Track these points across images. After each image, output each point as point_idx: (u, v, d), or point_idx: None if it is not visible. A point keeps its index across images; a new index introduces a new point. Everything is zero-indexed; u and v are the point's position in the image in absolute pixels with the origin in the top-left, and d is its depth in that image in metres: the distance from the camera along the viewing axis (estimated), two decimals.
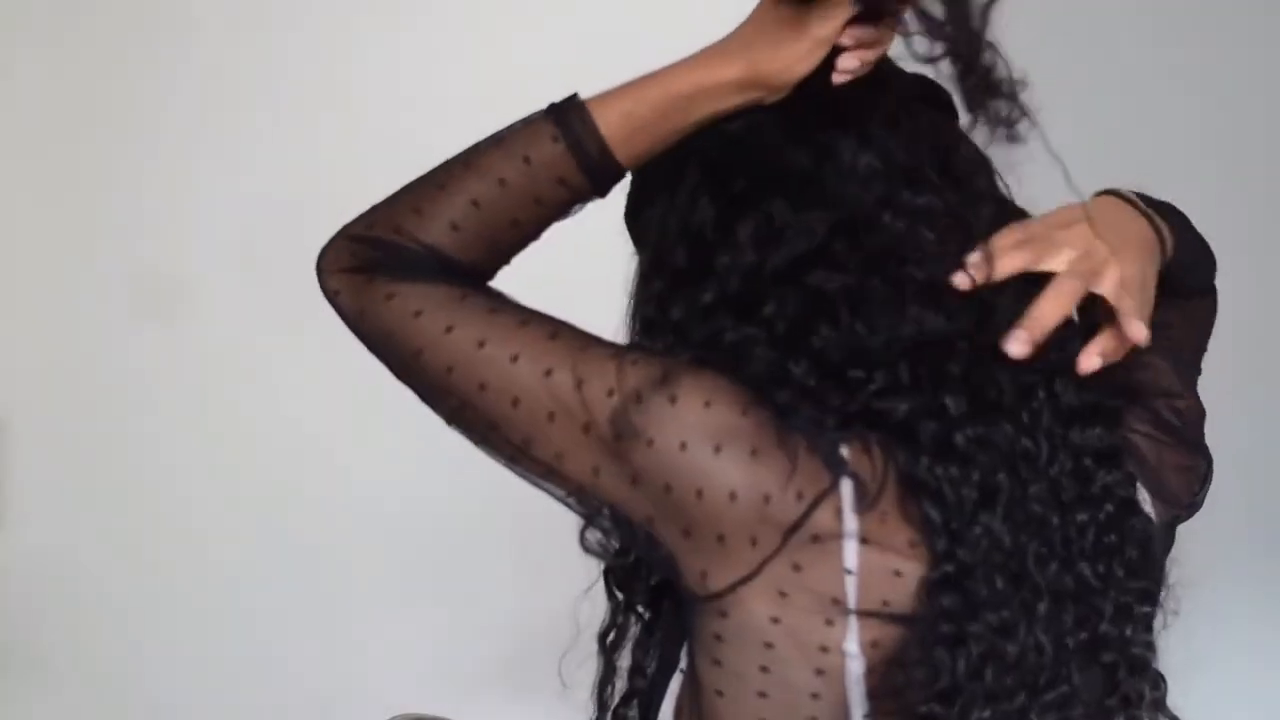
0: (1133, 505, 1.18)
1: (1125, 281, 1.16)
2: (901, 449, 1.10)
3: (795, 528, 1.07)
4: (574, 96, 1.15)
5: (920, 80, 1.19)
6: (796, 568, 1.07)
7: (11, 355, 2.53)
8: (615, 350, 1.10)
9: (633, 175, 1.23)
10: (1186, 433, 1.25)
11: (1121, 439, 1.19)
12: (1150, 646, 1.19)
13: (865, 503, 1.08)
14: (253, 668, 2.53)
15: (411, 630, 2.53)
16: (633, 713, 1.27)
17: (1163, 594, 1.22)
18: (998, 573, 1.09)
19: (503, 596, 2.46)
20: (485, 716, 2.27)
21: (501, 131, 1.15)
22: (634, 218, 1.25)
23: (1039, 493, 1.13)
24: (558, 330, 1.10)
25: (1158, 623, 1.21)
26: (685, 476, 1.06)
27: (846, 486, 1.08)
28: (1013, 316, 1.13)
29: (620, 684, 1.28)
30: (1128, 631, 1.16)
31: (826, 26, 1.11)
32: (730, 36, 1.15)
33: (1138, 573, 1.17)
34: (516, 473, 1.11)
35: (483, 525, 2.39)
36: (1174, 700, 1.22)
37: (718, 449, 1.06)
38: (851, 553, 1.08)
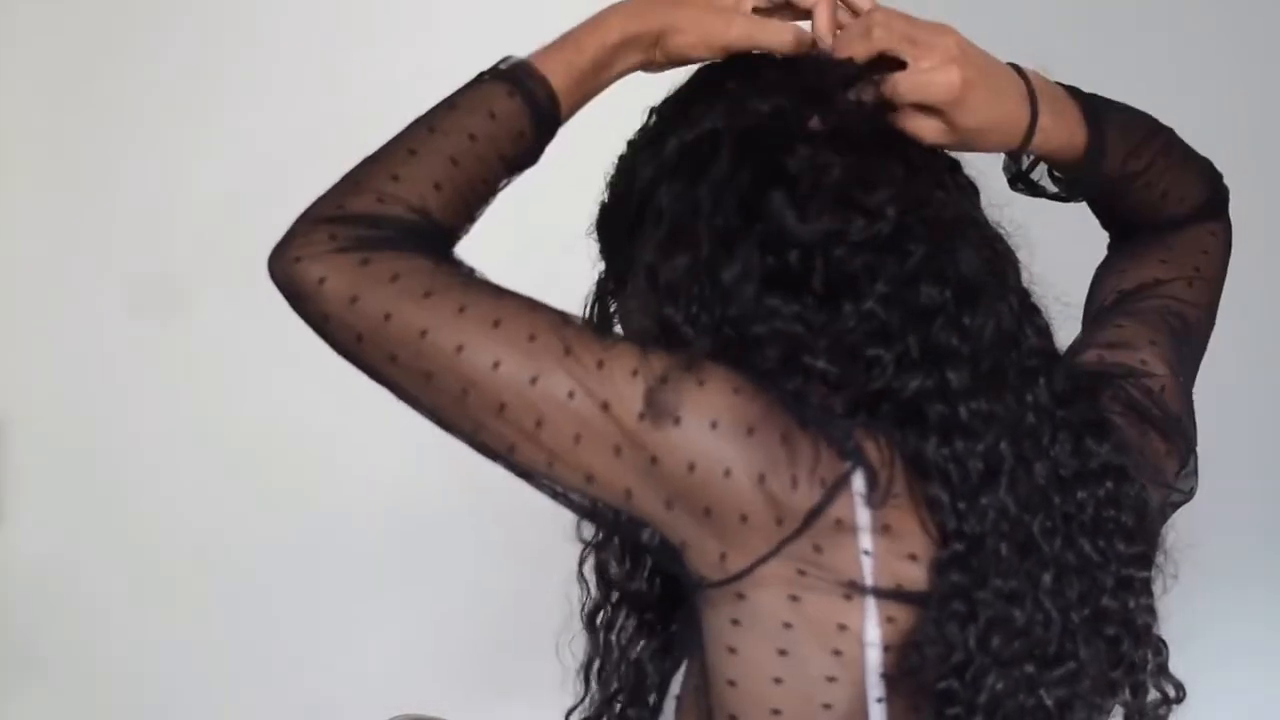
0: (1126, 473, 1.20)
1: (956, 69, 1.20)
2: (910, 430, 1.12)
3: (818, 511, 1.08)
4: (510, 57, 1.20)
5: None
6: (817, 549, 1.08)
7: (11, 355, 2.53)
8: (625, 336, 1.12)
9: (631, 165, 1.24)
10: (1156, 412, 1.27)
11: (1104, 415, 1.22)
12: (1151, 611, 1.20)
13: (877, 495, 1.09)
14: (251, 667, 2.53)
15: (408, 626, 2.53)
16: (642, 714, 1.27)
17: (1160, 559, 1.23)
18: (1005, 543, 1.11)
19: (496, 589, 2.46)
20: (482, 711, 2.27)
21: (450, 98, 1.18)
22: (645, 198, 1.23)
23: (1041, 469, 1.15)
24: (566, 315, 1.09)
25: (1157, 587, 1.22)
26: (713, 455, 1.06)
27: (858, 475, 1.09)
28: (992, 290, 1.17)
29: (610, 661, 1.28)
30: (1130, 603, 1.18)
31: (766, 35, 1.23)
32: None
33: (1134, 539, 1.19)
34: (512, 466, 1.09)
35: (476, 518, 2.39)
36: (1175, 664, 1.23)
37: (750, 431, 1.07)
38: (867, 538, 1.09)
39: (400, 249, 1.06)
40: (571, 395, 1.05)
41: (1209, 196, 1.41)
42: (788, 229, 1.15)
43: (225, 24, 2.49)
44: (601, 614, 1.28)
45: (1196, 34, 2.56)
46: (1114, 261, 1.41)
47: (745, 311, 1.14)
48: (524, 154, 1.18)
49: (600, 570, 1.26)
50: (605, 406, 1.05)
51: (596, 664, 1.29)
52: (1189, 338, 1.35)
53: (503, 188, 1.19)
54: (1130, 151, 1.35)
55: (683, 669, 1.20)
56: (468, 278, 1.08)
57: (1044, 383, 1.18)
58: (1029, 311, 1.21)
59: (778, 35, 1.23)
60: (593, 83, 1.21)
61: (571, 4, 2.23)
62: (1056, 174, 1.37)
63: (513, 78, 1.18)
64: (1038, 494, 1.14)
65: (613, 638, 1.28)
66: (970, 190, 1.24)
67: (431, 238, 1.09)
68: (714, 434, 1.06)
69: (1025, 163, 1.38)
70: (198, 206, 2.51)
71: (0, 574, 2.53)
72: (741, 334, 1.14)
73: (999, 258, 1.20)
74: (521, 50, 1.21)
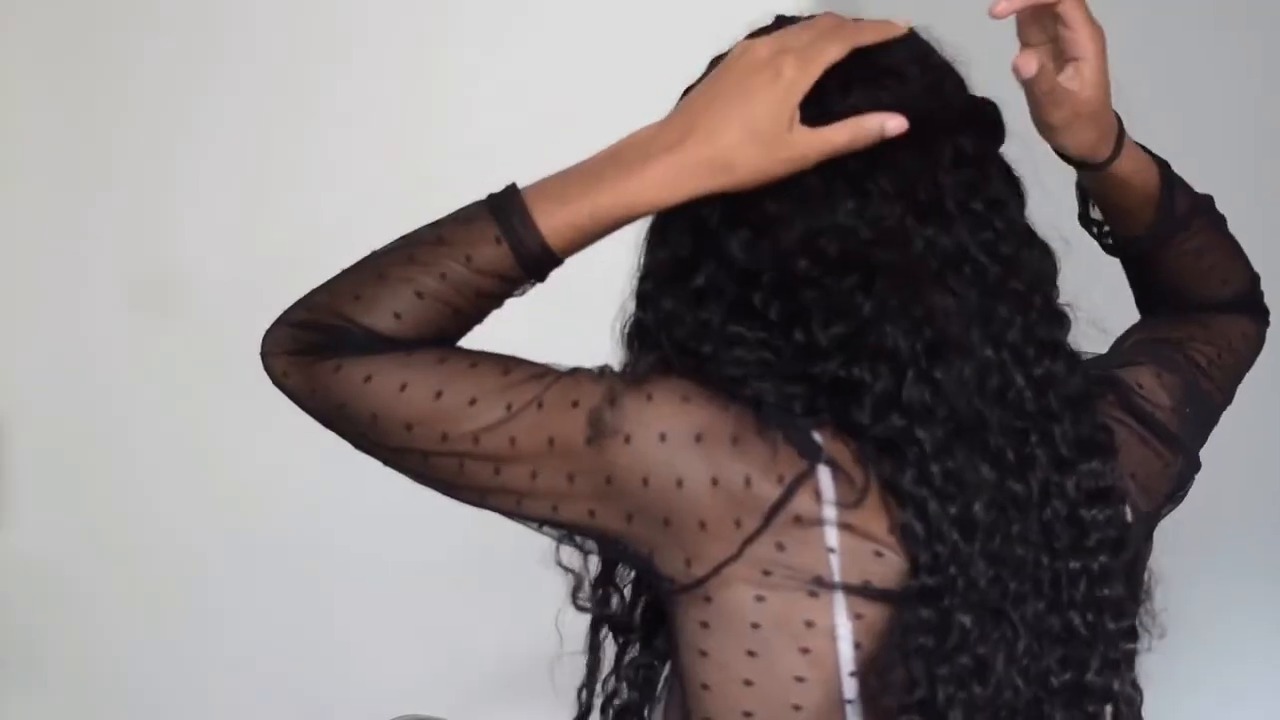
0: (1123, 543, 1.17)
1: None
2: (885, 459, 1.11)
3: (778, 508, 1.09)
4: (514, 190, 1.14)
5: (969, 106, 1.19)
6: (780, 547, 1.10)
7: (11, 355, 2.53)
8: (575, 370, 1.13)
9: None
10: (1160, 418, 1.26)
11: (1110, 483, 1.18)
12: (1136, 687, 1.19)
13: (851, 493, 1.10)
14: (249, 670, 2.53)
15: (405, 634, 2.53)
16: None
17: (1144, 612, 1.22)
18: (973, 611, 1.11)
19: (499, 598, 2.47)
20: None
21: (443, 224, 1.15)
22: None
23: (1025, 533, 1.13)
24: (509, 366, 1.12)
25: (1142, 644, 1.21)
26: (665, 467, 1.09)
27: (824, 473, 1.10)
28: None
29: (606, 687, 1.28)
30: (1114, 684, 1.17)
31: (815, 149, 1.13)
32: (705, 132, 1.13)
33: (1125, 612, 1.17)
34: (490, 509, 1.15)
35: (476, 526, 2.39)
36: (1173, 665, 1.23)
37: (698, 438, 1.09)
38: (833, 535, 1.10)
39: (345, 353, 1.13)
40: (514, 441, 1.11)
41: (1249, 290, 1.40)
42: (741, 269, 1.15)
43: (225, 25, 2.49)
44: (591, 635, 1.29)
45: (1198, 34, 2.56)
46: (1141, 324, 1.38)
47: (708, 335, 1.15)
48: (514, 287, 1.15)
49: (579, 595, 1.27)
50: (551, 442, 1.10)
51: (589, 684, 1.29)
52: (1202, 395, 1.31)
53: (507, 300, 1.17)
54: (1191, 205, 1.34)
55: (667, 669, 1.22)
56: (408, 352, 1.12)
57: (1036, 441, 1.14)
58: (1026, 362, 1.15)
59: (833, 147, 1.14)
60: (610, 231, 1.15)
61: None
62: (1106, 230, 1.36)
63: (504, 221, 1.13)
64: (1018, 560, 1.12)
65: (601, 657, 1.28)
66: (971, 191, 1.17)
67: (383, 344, 1.13)
68: (663, 446, 1.09)
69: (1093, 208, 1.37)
70: (198, 207, 2.51)
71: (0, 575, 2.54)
72: (701, 353, 1.15)
73: (991, 294, 1.15)
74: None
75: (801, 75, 1.13)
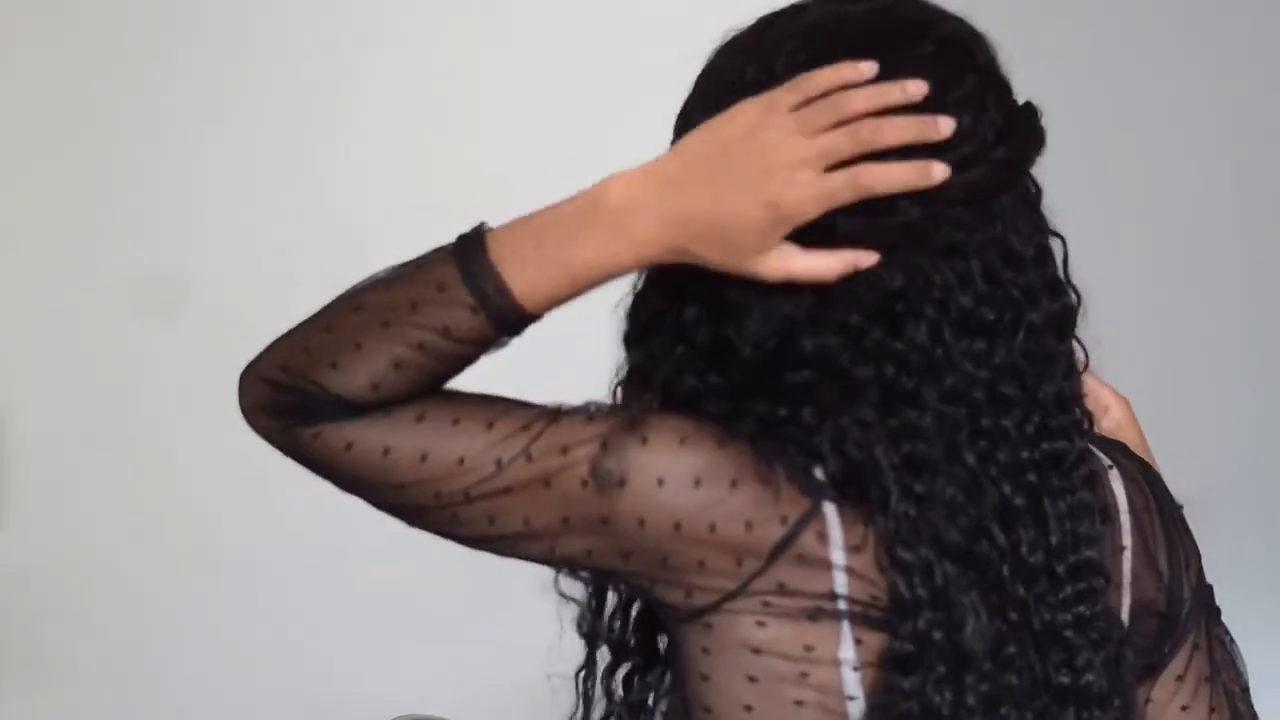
0: (1109, 634, 1.16)
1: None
2: (879, 513, 1.10)
3: (781, 548, 1.09)
4: (483, 250, 1.10)
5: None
6: (782, 584, 1.10)
7: (11, 355, 2.54)
8: (560, 412, 1.11)
9: None
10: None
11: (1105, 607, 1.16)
12: None
13: (857, 536, 1.09)
14: (251, 671, 2.54)
15: (405, 634, 2.54)
16: None
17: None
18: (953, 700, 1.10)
19: (500, 599, 2.47)
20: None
21: (415, 283, 1.11)
22: None
23: (1016, 677, 1.12)
24: (493, 419, 1.10)
25: None
26: (662, 510, 1.09)
27: (830, 510, 1.10)
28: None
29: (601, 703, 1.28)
30: None
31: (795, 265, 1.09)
32: (678, 217, 1.09)
33: (1109, 702, 1.15)
34: (487, 551, 1.14)
35: None
36: None
37: (697, 483, 1.09)
38: (839, 575, 1.10)
39: (322, 419, 1.11)
40: (506, 493, 1.10)
41: None
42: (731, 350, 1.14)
43: (239, 28, 2.50)
44: (587, 654, 1.28)
45: (1199, 36, 2.57)
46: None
47: (687, 373, 1.14)
48: (491, 347, 1.12)
49: (583, 624, 1.26)
50: (543, 489, 1.09)
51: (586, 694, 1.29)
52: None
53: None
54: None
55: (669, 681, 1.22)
56: (386, 413, 1.10)
57: (1027, 552, 1.12)
58: (1007, 470, 1.12)
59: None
60: (585, 293, 1.12)
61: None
62: None
63: (478, 290, 1.09)
64: (1010, 689, 1.12)
65: (598, 683, 1.28)
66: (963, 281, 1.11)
67: (359, 412, 1.11)
68: (660, 490, 1.08)
69: None
70: (199, 206, 2.52)
71: (0, 573, 2.54)
72: (683, 390, 1.14)
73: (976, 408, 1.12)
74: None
75: (799, 214, 1.07)
